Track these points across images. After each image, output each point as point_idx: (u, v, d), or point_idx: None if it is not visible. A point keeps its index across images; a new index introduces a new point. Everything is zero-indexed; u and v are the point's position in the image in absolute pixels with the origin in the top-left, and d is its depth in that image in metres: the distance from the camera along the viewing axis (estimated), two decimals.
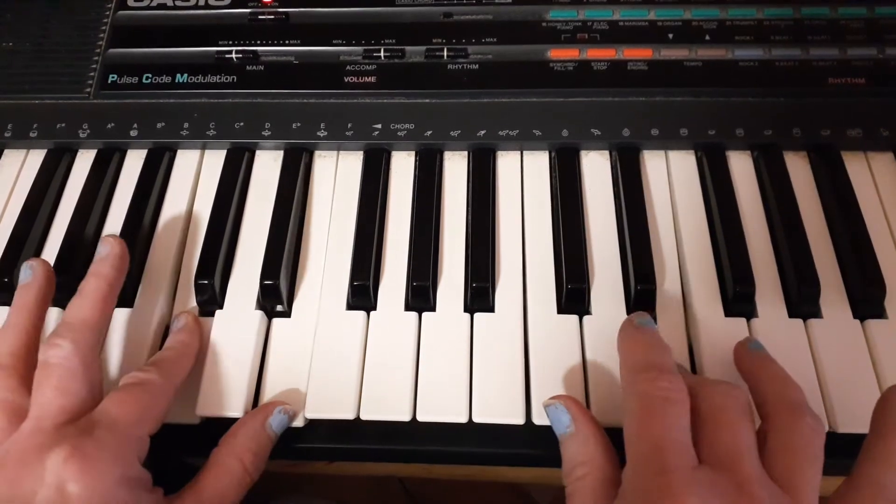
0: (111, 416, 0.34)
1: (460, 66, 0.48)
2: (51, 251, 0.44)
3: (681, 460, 0.30)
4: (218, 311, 0.41)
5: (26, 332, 0.37)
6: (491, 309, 0.40)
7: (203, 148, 0.48)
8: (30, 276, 0.39)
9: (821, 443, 0.31)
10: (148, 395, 0.35)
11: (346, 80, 0.48)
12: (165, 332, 0.41)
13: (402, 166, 0.46)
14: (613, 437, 0.34)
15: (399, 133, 0.46)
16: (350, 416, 0.37)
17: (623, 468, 0.31)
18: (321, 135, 0.46)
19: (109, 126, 0.47)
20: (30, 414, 0.33)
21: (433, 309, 0.41)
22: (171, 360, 0.38)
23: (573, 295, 0.40)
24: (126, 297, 0.41)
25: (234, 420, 0.37)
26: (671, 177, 0.45)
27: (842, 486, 0.31)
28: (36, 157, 0.48)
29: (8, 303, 0.42)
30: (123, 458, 0.33)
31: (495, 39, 0.48)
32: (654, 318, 0.40)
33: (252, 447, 0.36)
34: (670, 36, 0.48)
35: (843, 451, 0.33)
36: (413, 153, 0.47)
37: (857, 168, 0.45)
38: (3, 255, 0.43)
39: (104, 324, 0.38)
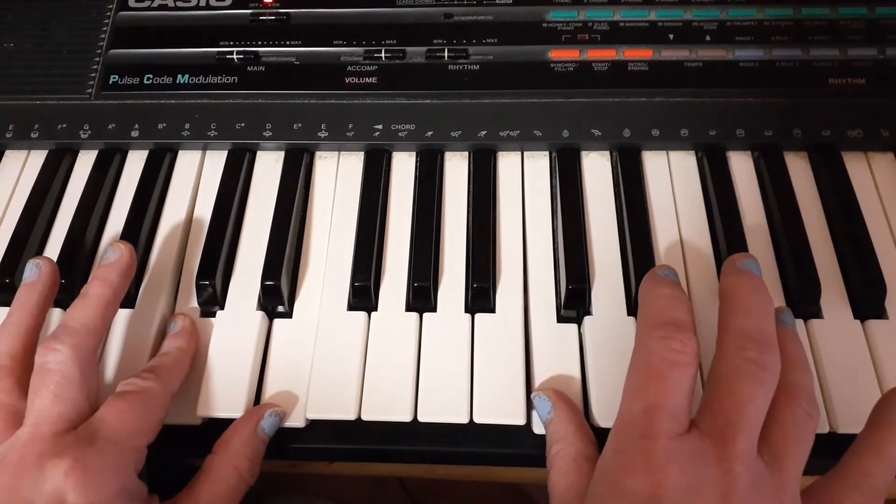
0: (111, 427, 0.33)
1: (461, 67, 0.48)
2: (52, 252, 0.44)
3: (669, 426, 0.29)
4: (219, 312, 0.41)
5: (26, 333, 0.36)
6: (492, 309, 0.41)
7: (204, 149, 0.48)
8: (35, 274, 0.38)
9: (812, 427, 0.31)
10: (146, 405, 0.35)
11: (346, 81, 0.48)
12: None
13: (403, 167, 0.46)
14: None
15: (400, 133, 0.46)
16: (351, 416, 0.37)
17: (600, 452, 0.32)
18: (322, 135, 0.46)
19: (110, 127, 0.48)
20: (26, 420, 0.33)
21: (434, 309, 0.41)
22: (169, 367, 0.37)
23: (574, 295, 0.40)
24: (127, 298, 0.41)
25: (233, 420, 0.37)
26: (672, 177, 0.45)
27: (830, 472, 0.32)
28: (37, 158, 0.48)
29: (9, 303, 0.42)
30: (123, 470, 0.32)
31: (496, 40, 0.48)
32: None
33: (247, 453, 0.36)
34: (671, 36, 0.48)
35: (843, 453, 0.32)
36: (414, 154, 0.47)
37: (858, 168, 0.45)
38: (4, 257, 0.43)
39: (104, 330, 0.37)
